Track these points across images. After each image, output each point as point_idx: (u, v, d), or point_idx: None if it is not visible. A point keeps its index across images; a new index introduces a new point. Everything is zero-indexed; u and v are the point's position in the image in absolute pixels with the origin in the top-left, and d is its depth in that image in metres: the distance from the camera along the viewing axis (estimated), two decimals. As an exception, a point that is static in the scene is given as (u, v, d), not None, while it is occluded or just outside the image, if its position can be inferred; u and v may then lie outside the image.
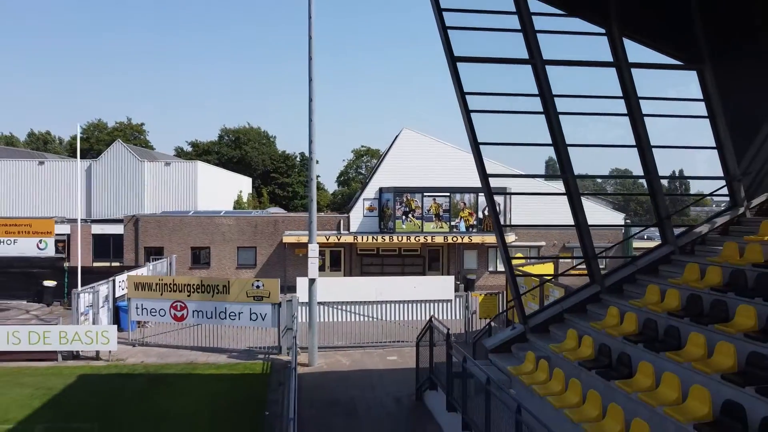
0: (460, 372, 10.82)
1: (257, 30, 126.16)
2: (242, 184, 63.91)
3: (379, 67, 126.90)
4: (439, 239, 30.61)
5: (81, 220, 34.33)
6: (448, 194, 30.67)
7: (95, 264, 31.72)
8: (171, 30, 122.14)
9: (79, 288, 19.38)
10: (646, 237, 36.80)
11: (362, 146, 79.56)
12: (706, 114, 13.30)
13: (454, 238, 30.52)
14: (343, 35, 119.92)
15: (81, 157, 70.77)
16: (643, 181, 13.61)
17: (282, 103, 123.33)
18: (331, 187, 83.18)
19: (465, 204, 30.88)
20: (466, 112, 12.62)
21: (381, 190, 31.34)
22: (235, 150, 77.00)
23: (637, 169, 13.19)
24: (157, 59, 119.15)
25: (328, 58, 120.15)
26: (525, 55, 12.65)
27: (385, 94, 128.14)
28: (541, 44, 12.61)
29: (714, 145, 13.39)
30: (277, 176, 75.71)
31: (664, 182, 15.87)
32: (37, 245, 25.07)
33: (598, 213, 32.38)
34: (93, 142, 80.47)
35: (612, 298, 12.23)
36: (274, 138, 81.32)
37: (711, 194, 14.53)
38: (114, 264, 31.04)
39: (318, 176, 79.24)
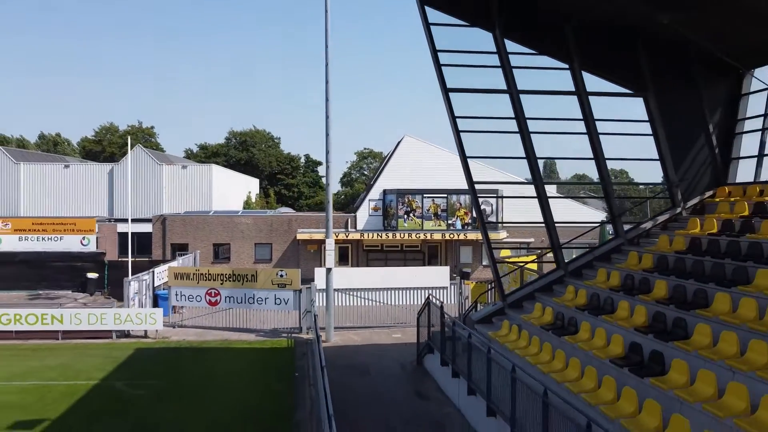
0: (451, 335, 14.03)
1: (261, 33, 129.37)
2: (250, 185, 67.02)
3: (381, 70, 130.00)
4: (437, 236, 33.81)
5: (119, 219, 37.56)
6: (446, 195, 33.87)
7: (120, 259, 34.88)
8: (178, 34, 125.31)
9: (130, 277, 22.58)
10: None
11: (365, 148, 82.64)
12: (651, 132, 16.48)
13: (451, 235, 33.72)
14: (345, 36, 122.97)
15: (94, 160, 73.59)
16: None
17: (286, 105, 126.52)
18: (335, 187, 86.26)
19: (461, 204, 34.06)
20: (456, 132, 15.85)
21: (384, 192, 34.51)
22: (243, 152, 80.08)
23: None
24: (163, 62, 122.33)
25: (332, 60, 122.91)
26: (504, 86, 15.84)
27: (387, 96, 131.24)
28: (516, 77, 15.81)
29: (657, 157, 16.60)
30: (282, 177, 78.80)
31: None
32: (81, 241, 28.31)
33: (583, 212, 35.52)
34: (105, 145, 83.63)
35: (572, 280, 15.43)
36: (278, 140, 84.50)
37: (654, 197, 17.71)
38: (140, 259, 34.16)
39: (322, 177, 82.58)
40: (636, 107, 16.51)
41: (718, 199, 15.88)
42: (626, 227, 16.47)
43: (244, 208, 57.08)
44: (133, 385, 15.41)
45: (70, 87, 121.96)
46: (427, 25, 15.70)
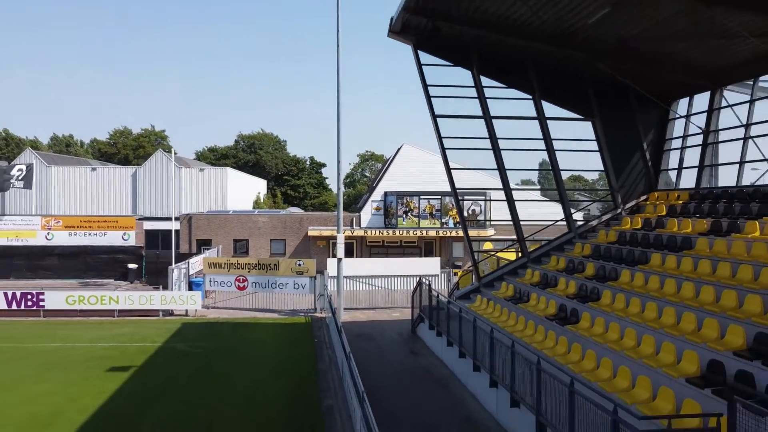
0: (436, 306, 18.36)
1: (270, 40, 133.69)
2: (259, 186, 71.24)
3: (383, 78, 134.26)
4: (432, 233, 38.10)
5: (145, 218, 41.71)
6: (440, 197, 38.15)
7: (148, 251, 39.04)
8: (189, 41, 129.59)
9: (173, 265, 26.92)
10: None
11: (366, 151, 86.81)
12: (597, 149, 20.75)
13: (445, 233, 38.01)
14: (349, 44, 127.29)
15: (108, 161, 77.26)
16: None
17: (292, 109, 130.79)
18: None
19: (453, 205, 38.33)
20: (443, 149, 20.16)
21: (386, 194, 38.80)
22: (251, 154, 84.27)
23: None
24: (173, 67, 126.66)
25: (334, 59, 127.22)
26: (480, 113, 20.11)
27: (388, 103, 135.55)
28: (489, 105, 20.06)
29: (602, 168, 20.90)
30: (289, 178, 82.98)
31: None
32: (122, 237, 32.58)
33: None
34: (120, 147, 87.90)
35: (532, 265, 19.74)
36: (285, 143, 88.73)
37: (600, 200, 21.99)
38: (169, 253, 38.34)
39: (326, 179, 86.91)
40: (585, 129, 20.78)
41: (648, 202, 20.17)
42: (578, 224, 20.80)
43: (253, 207, 61.27)
44: (190, 345, 19.76)
45: (81, 90, 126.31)
46: (419, 65, 19.98)
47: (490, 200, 36.39)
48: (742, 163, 17.28)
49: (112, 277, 32.71)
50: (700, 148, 18.93)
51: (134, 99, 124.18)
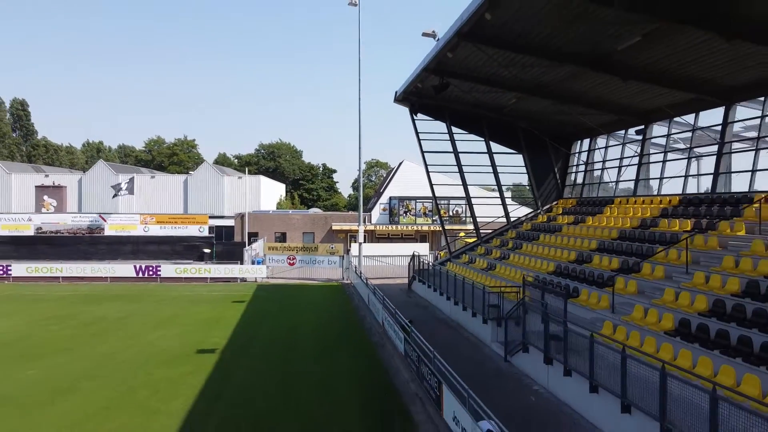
0: (423, 269, 30.45)
1: (285, 55, 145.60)
2: (279, 190, 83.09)
3: (385, 94, 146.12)
4: (426, 228, 50.14)
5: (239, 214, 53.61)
6: (432, 201, 50.16)
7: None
8: (212, 57, 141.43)
9: (246, 248, 39.08)
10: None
11: (372, 159, 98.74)
12: (526, 172, 32.79)
13: (435, 227, 50.04)
14: (353, 54, 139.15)
15: (145, 167, 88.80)
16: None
17: (306, 119, 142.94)
18: (346, 191, 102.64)
19: (440, 208, 50.27)
20: (428, 173, 32.25)
21: (390, 198, 50.84)
22: (270, 161, 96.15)
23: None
24: (201, 82, 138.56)
25: (344, 77, 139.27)
26: (450, 149, 32.15)
27: (390, 116, 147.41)
28: (457, 144, 32.07)
29: (528, 184, 32.96)
30: (304, 183, 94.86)
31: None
32: (198, 230, 44.56)
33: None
34: (155, 155, 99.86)
35: (483, 244, 31.80)
36: (301, 152, 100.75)
37: (527, 204, 34.07)
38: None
39: (336, 183, 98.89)
40: (518, 159, 32.79)
41: (556, 205, 32.20)
42: (513, 219, 32.89)
43: (276, 208, 73.12)
44: (268, 294, 31.87)
45: (105, 97, 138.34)
46: (413, 120, 32.05)
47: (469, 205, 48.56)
48: (600, 183, 29.36)
49: (191, 259, 44.64)
50: (583, 172, 31.01)
51: (163, 108, 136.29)
